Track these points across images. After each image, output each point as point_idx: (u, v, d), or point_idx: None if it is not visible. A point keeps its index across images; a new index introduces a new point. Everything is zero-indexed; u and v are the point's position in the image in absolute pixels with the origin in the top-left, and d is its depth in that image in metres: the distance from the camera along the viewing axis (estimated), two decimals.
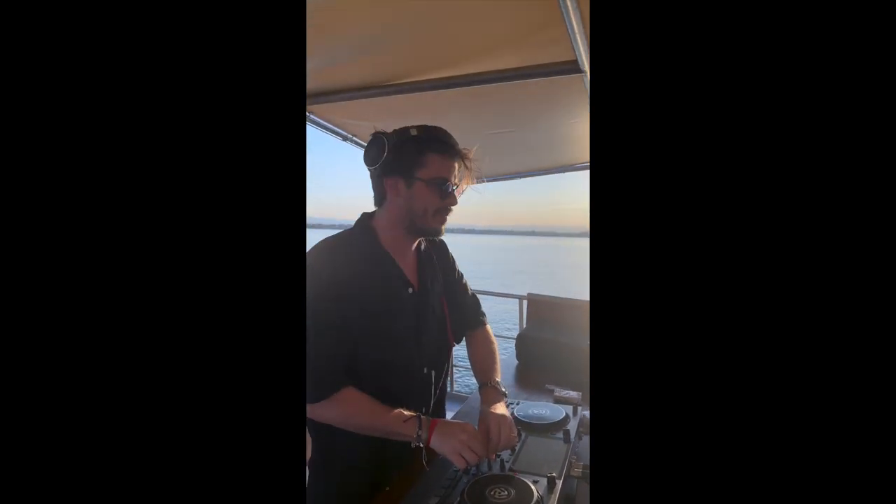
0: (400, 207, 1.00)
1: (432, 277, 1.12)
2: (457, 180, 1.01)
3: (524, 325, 2.45)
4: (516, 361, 1.74)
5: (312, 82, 1.37)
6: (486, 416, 0.96)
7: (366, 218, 1.07)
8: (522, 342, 1.74)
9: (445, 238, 1.12)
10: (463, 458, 0.86)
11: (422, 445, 0.89)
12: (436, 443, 0.88)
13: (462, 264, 1.25)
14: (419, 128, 0.98)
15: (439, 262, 1.17)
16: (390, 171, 0.98)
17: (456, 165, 1.00)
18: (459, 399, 2.59)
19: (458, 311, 1.19)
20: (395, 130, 0.99)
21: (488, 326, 1.26)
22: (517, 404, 1.17)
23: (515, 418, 1.09)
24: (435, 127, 1.00)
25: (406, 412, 0.91)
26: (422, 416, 0.91)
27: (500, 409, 0.98)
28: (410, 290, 1.04)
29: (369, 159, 0.99)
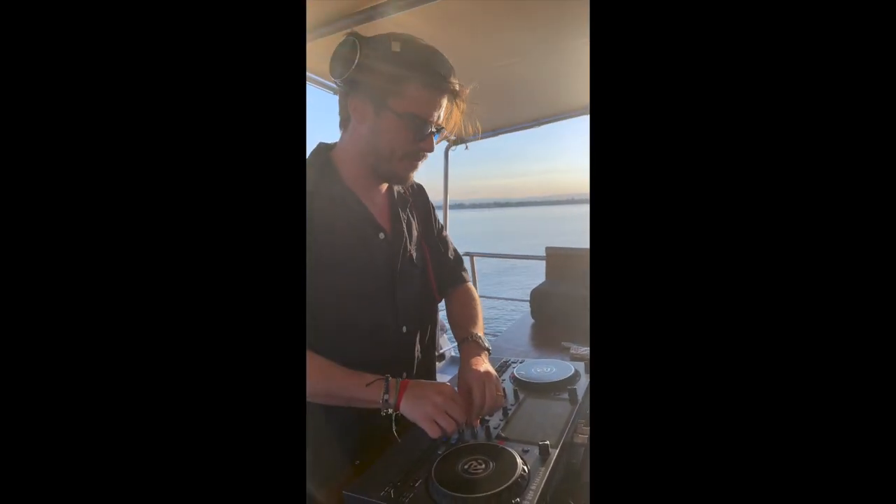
0: (364, 138, 0.81)
1: (409, 222, 0.94)
2: (441, 122, 0.81)
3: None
4: (532, 320, 1.57)
5: None
6: (466, 375, 0.79)
7: (323, 148, 0.88)
8: (538, 298, 1.56)
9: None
10: (437, 425, 0.70)
11: (391, 412, 0.74)
12: (406, 408, 0.73)
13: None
14: (404, 42, 0.76)
15: (416, 207, 0.99)
16: (358, 89, 0.78)
17: (443, 102, 0.79)
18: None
19: (440, 267, 1.01)
20: (375, 37, 0.78)
21: (470, 284, 1.08)
22: (520, 363, 1.00)
23: (515, 379, 0.92)
24: (426, 45, 0.78)
25: (370, 375, 0.76)
26: (389, 378, 0.75)
27: (483, 364, 0.81)
28: (382, 235, 0.87)
29: (336, 69, 0.78)
